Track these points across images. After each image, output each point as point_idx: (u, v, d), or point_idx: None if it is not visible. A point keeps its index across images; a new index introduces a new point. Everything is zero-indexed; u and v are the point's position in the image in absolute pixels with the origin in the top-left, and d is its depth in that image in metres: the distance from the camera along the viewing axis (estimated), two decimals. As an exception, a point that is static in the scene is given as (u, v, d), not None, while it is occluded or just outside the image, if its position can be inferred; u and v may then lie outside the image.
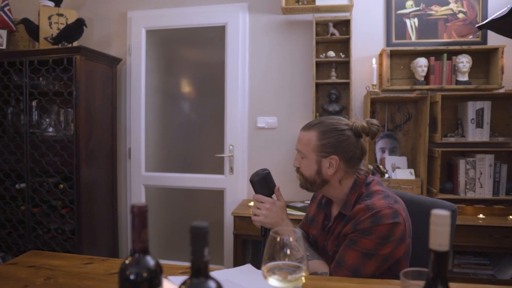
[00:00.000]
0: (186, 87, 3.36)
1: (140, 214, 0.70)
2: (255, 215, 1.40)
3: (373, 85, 2.68)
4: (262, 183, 1.39)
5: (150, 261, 0.72)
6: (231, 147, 3.04)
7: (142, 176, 3.24)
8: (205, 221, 0.65)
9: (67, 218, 2.83)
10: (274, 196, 1.42)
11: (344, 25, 2.86)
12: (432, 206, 1.44)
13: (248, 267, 1.30)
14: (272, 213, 1.36)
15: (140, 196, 3.24)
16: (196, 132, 3.27)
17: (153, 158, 3.31)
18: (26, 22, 2.99)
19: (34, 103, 2.95)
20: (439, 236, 0.65)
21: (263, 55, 3.04)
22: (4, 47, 3.01)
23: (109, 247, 3.19)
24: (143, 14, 3.20)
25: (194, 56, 3.35)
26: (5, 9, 3.07)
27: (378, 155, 2.81)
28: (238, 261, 2.73)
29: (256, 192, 1.41)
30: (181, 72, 3.34)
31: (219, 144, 3.13)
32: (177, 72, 3.33)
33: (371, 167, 2.68)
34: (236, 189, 3.06)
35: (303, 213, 2.51)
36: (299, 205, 2.68)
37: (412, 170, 2.66)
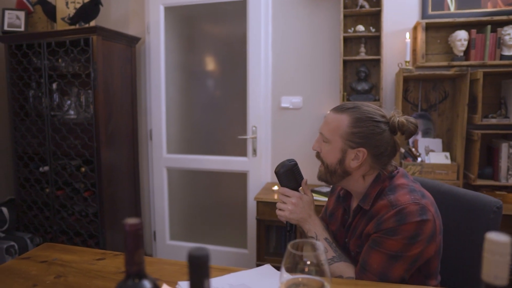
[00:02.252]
0: (207, 66, 3.23)
1: (133, 233, 0.60)
2: (280, 209, 1.29)
3: (406, 61, 2.47)
4: (288, 175, 1.27)
5: (147, 286, 0.62)
6: (254, 128, 2.92)
7: (163, 158, 3.18)
8: (205, 249, 0.54)
9: (89, 201, 2.82)
10: (301, 189, 1.30)
11: (375, -4, 2.64)
12: (473, 201, 1.29)
13: (267, 268, 1.20)
14: (299, 209, 1.25)
15: (162, 178, 3.19)
16: (218, 112, 3.16)
17: (174, 140, 3.24)
18: (42, 2, 2.92)
19: (54, 86, 2.91)
20: (495, 267, 0.52)
21: (287, 30, 2.86)
22: (22, 29, 2.96)
23: (132, 229, 3.18)
24: (161, -10, 3.06)
25: (214, 33, 3.20)
26: (22, -11, 3.00)
27: (411, 139, 2.62)
28: (261, 246, 2.67)
29: (282, 184, 1.29)
30: (201, 50, 3.20)
31: (241, 125, 3.01)
32: (197, 50, 3.20)
33: (402, 150, 2.51)
34: (259, 172, 2.95)
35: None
36: (325, 189, 2.55)
37: (448, 154, 2.47)
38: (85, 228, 2.88)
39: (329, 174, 1.23)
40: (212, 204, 3.27)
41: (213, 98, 3.20)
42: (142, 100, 3.21)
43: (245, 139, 2.98)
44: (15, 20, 2.97)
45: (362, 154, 1.17)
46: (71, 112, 2.91)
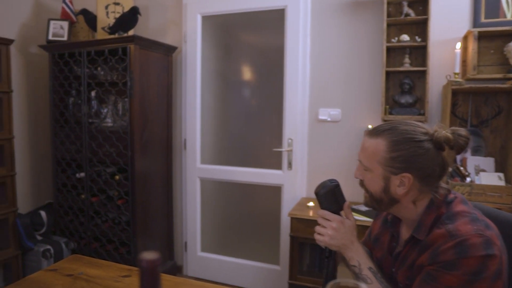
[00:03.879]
0: (243, 75, 3.18)
1: (150, 270, 0.52)
2: (319, 233, 1.19)
3: (455, 73, 2.29)
4: (329, 197, 1.17)
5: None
6: (289, 140, 2.82)
7: (197, 169, 3.14)
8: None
9: (123, 209, 2.82)
10: (342, 213, 1.19)
11: (421, 4, 2.48)
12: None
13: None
14: (340, 234, 1.14)
15: (195, 188, 3.15)
16: (253, 123, 3.10)
17: (208, 150, 3.20)
18: (85, 12, 2.98)
19: (92, 94, 2.95)
20: None
21: (326, 40, 2.75)
22: (65, 38, 3.03)
23: (163, 239, 3.16)
24: (199, -1, 3.05)
25: (251, 43, 3.14)
26: (67, 1, 3.09)
27: (459, 155, 2.43)
28: (294, 264, 2.55)
29: (322, 207, 1.19)
30: (237, 59, 3.16)
31: (277, 137, 2.92)
32: (234, 59, 3.16)
33: (450, 169, 2.32)
34: (294, 186, 2.85)
35: (369, 219, 2.25)
36: (364, 208, 2.41)
37: (502, 175, 2.26)
38: (118, 235, 2.88)
39: (375, 202, 1.12)
40: (244, 217, 3.19)
41: (248, 109, 3.13)
42: (178, 109, 3.20)
43: (280, 152, 2.88)
44: (59, 30, 3.05)
45: (407, 179, 1.05)
46: (108, 120, 2.94)
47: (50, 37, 3.03)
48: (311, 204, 2.60)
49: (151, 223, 2.98)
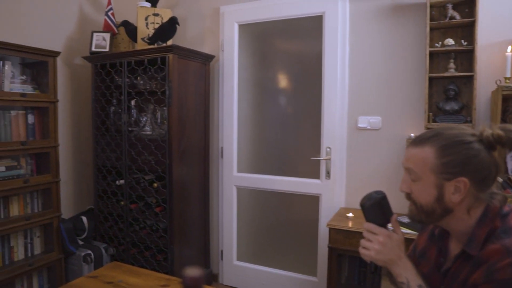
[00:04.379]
0: (279, 83, 3.15)
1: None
2: (364, 247, 1.13)
3: (505, 78, 2.17)
4: (376, 209, 1.12)
5: None
6: (328, 149, 2.76)
7: (234, 177, 3.14)
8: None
9: (160, 217, 2.85)
10: (389, 226, 1.13)
11: (468, 6, 2.36)
12: None
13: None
14: (387, 249, 1.08)
15: (232, 197, 3.15)
16: (290, 131, 3.06)
17: (245, 158, 3.19)
18: (126, 24, 3.07)
19: (132, 102, 3.02)
20: None
21: (366, 46, 2.68)
22: (107, 49, 3.13)
23: (199, 247, 3.16)
24: (236, 8, 3.07)
25: (288, 50, 3.12)
26: (109, 13, 3.19)
27: (510, 164, 2.28)
28: (332, 276, 2.48)
29: (367, 219, 1.14)
30: (274, 67, 3.14)
31: (314, 145, 2.87)
32: (270, 67, 3.15)
33: (500, 179, 2.18)
34: (332, 196, 2.78)
35: (412, 232, 2.15)
36: (406, 220, 2.30)
37: (560, 186, 2.10)
38: (155, 242, 2.91)
39: (425, 214, 1.05)
40: (281, 227, 3.15)
41: (284, 117, 3.10)
42: (215, 117, 3.22)
43: (318, 161, 2.82)
44: (101, 41, 3.16)
45: (463, 184, 0.98)
46: (147, 128, 2.99)
47: (93, 49, 3.14)
48: (350, 214, 2.52)
49: (188, 231, 3.00)
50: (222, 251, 3.24)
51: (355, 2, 2.69)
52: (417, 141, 1.06)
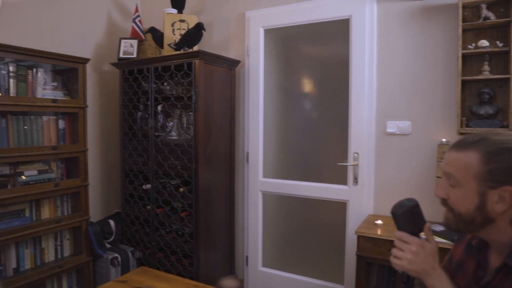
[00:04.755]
0: (305, 88, 3.13)
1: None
2: (395, 257, 1.09)
3: (545, 81, 2.07)
4: (408, 217, 1.07)
5: None
6: (355, 155, 2.71)
7: (259, 182, 3.12)
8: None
9: (186, 222, 2.86)
10: (422, 235, 1.09)
11: (503, 5, 2.28)
12: None
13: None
14: (420, 259, 1.04)
15: (257, 202, 3.13)
16: (316, 137, 3.02)
17: (271, 163, 3.17)
18: (153, 30, 3.11)
19: (159, 108, 3.05)
20: None
21: (394, 49, 2.62)
22: (135, 55, 3.18)
23: (224, 253, 3.16)
24: (261, 13, 3.06)
25: (313, 54, 3.09)
26: (136, 20, 3.25)
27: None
28: (360, 285, 2.42)
29: (399, 228, 1.09)
30: (299, 72, 3.12)
31: (341, 151, 2.82)
32: (296, 72, 3.13)
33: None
34: (360, 202, 2.72)
35: (445, 241, 2.08)
36: (439, 228, 2.23)
37: None
38: (181, 247, 2.92)
39: (463, 223, 1.00)
40: (307, 233, 3.11)
41: (311, 122, 3.07)
42: (240, 122, 3.21)
43: (345, 166, 2.77)
44: (129, 48, 3.21)
45: (508, 193, 0.93)
46: (173, 133, 3.01)
47: (121, 55, 3.20)
48: (379, 222, 2.46)
49: (214, 236, 2.99)
50: (247, 257, 3.23)
51: (382, 5, 2.64)
52: (460, 145, 1.02)
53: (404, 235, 1.07)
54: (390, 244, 2.24)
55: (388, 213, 2.69)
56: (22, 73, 2.58)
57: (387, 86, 2.65)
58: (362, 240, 2.36)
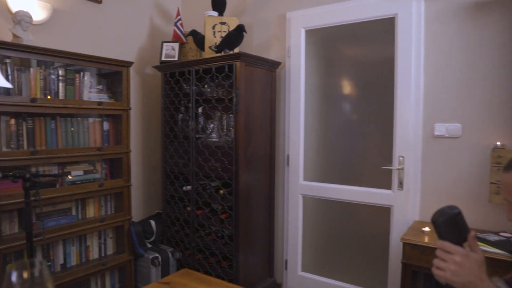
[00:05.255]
0: (346, 89, 3.05)
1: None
2: (438, 268, 1.02)
3: None
4: (450, 226, 1.00)
5: None
6: (400, 158, 2.61)
7: (300, 185, 3.07)
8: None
9: (226, 224, 2.86)
10: (466, 245, 1.01)
11: None
12: None
13: None
14: (465, 270, 0.96)
15: (298, 206, 3.08)
16: (359, 139, 2.94)
17: (311, 166, 3.11)
18: (194, 33, 3.14)
19: (200, 110, 3.07)
20: None
21: (443, 48, 2.50)
22: (176, 58, 3.22)
23: (263, 256, 3.13)
24: (302, 13, 3.02)
25: (356, 55, 3.01)
26: (178, 23, 3.29)
27: None
28: (406, 294, 2.32)
29: (441, 237, 1.02)
30: (343, 73, 3.04)
31: (385, 154, 2.73)
32: (339, 73, 3.05)
33: None
34: (405, 208, 2.61)
35: (499, 251, 1.95)
36: (493, 238, 2.09)
37: None
38: (220, 249, 2.92)
39: None
40: (348, 238, 3.02)
41: (352, 124, 2.99)
42: (281, 124, 3.18)
43: (388, 170, 2.68)
44: (171, 51, 3.26)
45: None
46: (214, 135, 3.02)
47: (163, 58, 3.25)
48: (426, 229, 2.35)
49: (253, 239, 2.97)
50: (286, 261, 3.18)
51: (431, 2, 2.53)
52: (506, 167, 0.95)
53: (447, 245, 1.00)
54: (439, 252, 2.13)
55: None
56: (70, 77, 2.68)
57: (435, 86, 2.53)
58: (408, 247, 2.26)
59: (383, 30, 2.75)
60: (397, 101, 2.61)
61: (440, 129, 2.51)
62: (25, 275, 0.85)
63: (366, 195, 2.79)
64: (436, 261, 1.02)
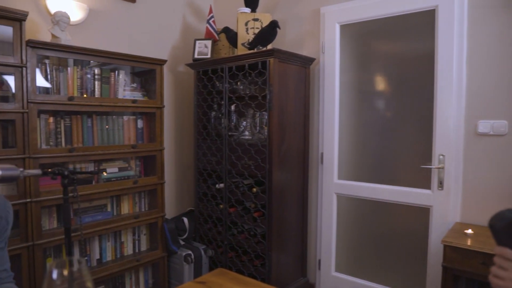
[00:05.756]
0: (381, 86, 2.95)
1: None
2: (496, 276, 0.94)
3: None
4: (510, 231, 0.93)
5: None
6: (441, 157, 2.50)
7: (334, 184, 3.00)
8: None
9: (259, 222, 2.83)
10: None
11: None
12: None
13: None
14: None
15: (332, 205, 3.02)
16: (394, 137, 2.84)
17: (346, 165, 3.03)
18: (226, 30, 3.12)
19: (232, 107, 3.06)
20: None
21: (488, 41, 2.36)
22: (209, 56, 3.21)
23: (297, 255, 3.08)
24: (337, 8, 2.94)
25: (392, 50, 2.90)
26: (210, 21, 3.28)
27: None
28: (447, 300, 2.21)
29: (499, 243, 0.94)
30: (378, 69, 2.94)
31: (423, 152, 2.62)
32: (374, 69, 2.96)
33: None
34: (446, 209, 2.50)
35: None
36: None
37: None
38: (253, 247, 2.90)
39: None
40: (384, 239, 2.93)
41: (387, 121, 2.88)
42: (315, 122, 3.12)
43: (428, 169, 2.57)
44: (203, 48, 3.26)
45: None
46: (246, 133, 3.00)
47: (196, 56, 3.25)
48: (469, 231, 2.23)
49: (286, 238, 2.93)
50: (319, 261, 3.12)
51: (475, -8, 2.40)
52: None
53: (507, 252, 0.92)
54: (482, 256, 2.02)
55: (479, 221, 2.47)
56: (105, 76, 2.72)
57: (479, 82, 2.40)
58: (450, 250, 2.16)
59: (421, 23, 2.64)
60: (437, 97, 2.50)
61: (485, 126, 2.38)
62: (65, 273, 0.86)
63: (402, 194, 2.69)
64: (494, 269, 0.95)
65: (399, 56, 2.85)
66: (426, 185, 2.59)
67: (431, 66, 2.55)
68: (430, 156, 2.56)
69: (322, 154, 3.06)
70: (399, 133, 2.83)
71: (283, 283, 2.93)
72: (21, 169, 1.37)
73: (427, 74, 2.57)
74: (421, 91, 2.65)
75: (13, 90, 2.21)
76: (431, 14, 2.54)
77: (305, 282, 3.15)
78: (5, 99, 2.27)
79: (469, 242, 2.13)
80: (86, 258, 2.69)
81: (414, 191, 2.65)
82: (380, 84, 2.96)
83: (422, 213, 2.63)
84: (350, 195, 2.96)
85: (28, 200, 2.25)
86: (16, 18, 2.13)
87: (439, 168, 2.50)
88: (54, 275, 0.84)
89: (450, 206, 2.49)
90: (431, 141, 2.56)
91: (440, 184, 2.51)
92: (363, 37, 2.99)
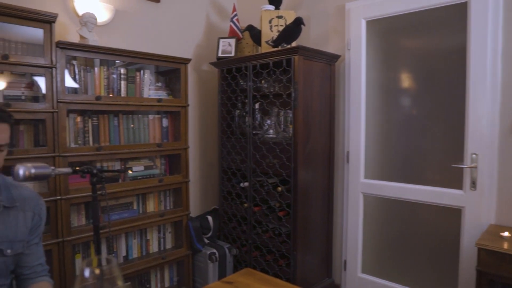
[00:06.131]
0: (411, 83, 2.86)
1: None
2: None
3: None
4: None
5: None
6: (473, 156, 2.40)
7: (360, 183, 2.94)
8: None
9: (284, 221, 2.81)
10: None
11: None
12: None
13: None
14: None
15: (358, 204, 2.96)
16: (422, 136, 2.75)
17: (373, 164, 2.96)
18: (250, 28, 3.11)
19: (257, 106, 3.04)
20: None
21: (525, 34, 2.26)
22: (233, 54, 3.20)
23: (322, 255, 3.04)
24: (363, 3, 2.87)
25: (420, 46, 2.81)
26: (234, 19, 3.28)
27: None
28: (481, 304, 2.13)
29: None
30: (405, 66, 2.86)
31: (453, 151, 2.53)
32: (401, 65, 2.88)
33: None
34: (479, 210, 2.41)
35: None
36: None
37: None
38: (277, 247, 2.87)
39: None
40: (412, 240, 2.84)
41: (415, 120, 2.79)
42: (340, 120, 3.06)
43: (459, 169, 2.48)
44: (227, 47, 3.25)
45: None
46: (271, 131, 2.97)
47: (220, 54, 3.25)
48: (506, 234, 2.14)
49: (311, 238, 2.90)
50: (345, 261, 3.07)
51: (510, -16, 2.29)
52: None
53: None
54: (521, 260, 1.93)
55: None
56: (131, 75, 2.75)
57: (515, 77, 2.30)
58: (484, 253, 2.08)
59: (453, 18, 2.55)
60: (470, 94, 2.40)
61: (521, 123, 2.27)
62: (96, 271, 0.88)
63: (432, 194, 2.60)
64: None
65: (427, 51, 2.76)
66: (457, 185, 2.50)
67: (461, 61, 2.45)
68: (461, 155, 2.47)
69: (348, 152, 3.01)
70: (427, 131, 2.74)
71: (308, 283, 2.89)
72: (53, 168, 1.39)
73: (458, 70, 2.48)
74: (450, 87, 2.56)
75: (43, 91, 2.26)
76: (463, 7, 2.44)
77: (330, 283, 3.10)
78: (35, 99, 2.32)
79: (505, 246, 2.04)
80: (113, 255, 2.73)
81: (444, 191, 2.56)
82: (407, 81, 2.87)
83: (453, 214, 2.54)
84: (377, 194, 2.89)
85: (58, 197, 2.30)
86: (46, 20, 2.18)
87: (471, 167, 2.41)
88: (86, 273, 0.87)
89: (483, 207, 2.39)
90: (462, 139, 2.46)
91: (473, 184, 2.42)
92: (389, 32, 2.91)
